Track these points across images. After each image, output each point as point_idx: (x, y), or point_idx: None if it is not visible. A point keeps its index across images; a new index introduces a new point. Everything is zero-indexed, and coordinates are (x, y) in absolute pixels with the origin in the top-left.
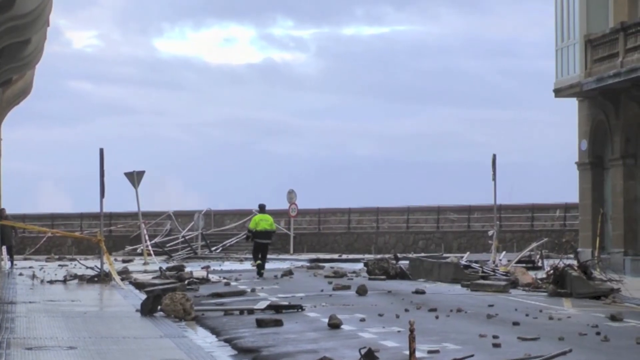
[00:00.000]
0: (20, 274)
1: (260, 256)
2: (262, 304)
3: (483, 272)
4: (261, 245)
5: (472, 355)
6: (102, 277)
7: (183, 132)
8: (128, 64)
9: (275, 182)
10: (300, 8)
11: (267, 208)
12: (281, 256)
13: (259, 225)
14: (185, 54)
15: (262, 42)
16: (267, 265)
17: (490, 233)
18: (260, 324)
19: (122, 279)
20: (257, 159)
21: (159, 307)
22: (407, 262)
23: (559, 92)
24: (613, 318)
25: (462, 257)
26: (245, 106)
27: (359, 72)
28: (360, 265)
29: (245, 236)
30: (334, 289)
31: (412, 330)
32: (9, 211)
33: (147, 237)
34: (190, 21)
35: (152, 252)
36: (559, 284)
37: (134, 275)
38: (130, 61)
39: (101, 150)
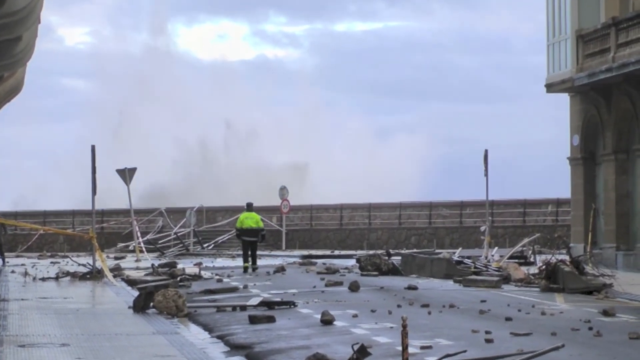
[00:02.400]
0: (13, 272)
1: (250, 255)
2: (255, 301)
3: (475, 267)
4: (248, 243)
5: (464, 351)
6: (95, 274)
7: (175, 128)
8: (120, 61)
9: (267, 179)
10: (293, 4)
11: (259, 205)
12: (273, 252)
13: (244, 223)
14: (177, 51)
15: (255, 38)
16: (259, 262)
17: (482, 229)
18: (253, 320)
19: (115, 276)
20: (249, 155)
21: (151, 304)
22: (400, 258)
23: (550, 87)
24: (605, 313)
25: (454, 252)
26: (238, 102)
27: (352, 67)
28: (352, 262)
29: (236, 234)
30: (326, 285)
31: (404, 326)
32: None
33: (139, 234)
34: (182, 18)
35: (144, 249)
36: (552, 280)
37: (126, 272)
38: (122, 58)
39: (93, 147)
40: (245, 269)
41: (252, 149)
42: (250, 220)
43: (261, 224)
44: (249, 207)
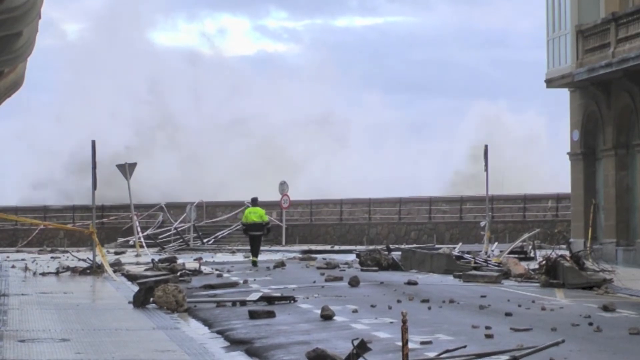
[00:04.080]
0: (13, 267)
1: (253, 248)
2: (255, 296)
3: (475, 263)
4: (252, 237)
5: (464, 346)
6: (95, 269)
7: (177, 123)
8: (121, 56)
9: (267, 174)
10: None
11: (258, 200)
12: (273, 247)
13: (248, 218)
14: (178, 46)
15: (255, 33)
16: (259, 257)
17: (482, 224)
18: (253, 315)
19: (115, 271)
20: (250, 150)
21: (151, 299)
22: (399, 253)
23: (550, 82)
24: (605, 308)
25: (454, 248)
26: (238, 98)
27: (352, 63)
28: (352, 257)
29: (242, 229)
30: (326, 281)
31: (404, 322)
32: (0, 203)
33: (139, 229)
34: (183, 13)
35: (144, 244)
36: (552, 275)
37: (127, 267)
38: (123, 53)
39: (93, 143)
40: (254, 263)
41: (235, 100)
42: (254, 214)
43: (265, 218)
44: (254, 202)
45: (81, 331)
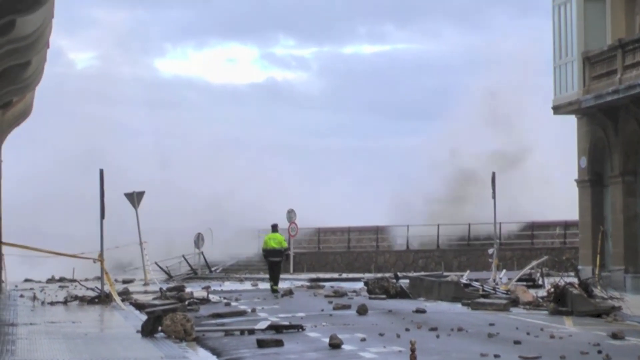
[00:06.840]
0: (21, 296)
1: (273, 274)
2: (263, 324)
3: (483, 290)
4: (271, 263)
5: None
6: (103, 298)
7: (185, 152)
8: (130, 85)
9: (276, 201)
10: (302, 27)
11: (278, 227)
12: (281, 276)
13: (268, 244)
14: (187, 74)
15: (264, 61)
16: (267, 285)
17: (490, 251)
18: (261, 344)
19: (123, 300)
20: (259, 177)
21: (159, 328)
22: (407, 281)
23: (557, 109)
24: (614, 336)
25: (462, 275)
26: (248, 126)
27: (361, 90)
28: (360, 285)
29: (263, 255)
30: (334, 309)
31: (413, 350)
32: (10, 234)
33: (147, 258)
34: (192, 41)
35: (152, 273)
36: (560, 302)
37: (135, 296)
38: (132, 82)
39: (101, 171)
40: (273, 290)
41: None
42: (273, 241)
43: (284, 244)
44: (274, 229)
45: None
